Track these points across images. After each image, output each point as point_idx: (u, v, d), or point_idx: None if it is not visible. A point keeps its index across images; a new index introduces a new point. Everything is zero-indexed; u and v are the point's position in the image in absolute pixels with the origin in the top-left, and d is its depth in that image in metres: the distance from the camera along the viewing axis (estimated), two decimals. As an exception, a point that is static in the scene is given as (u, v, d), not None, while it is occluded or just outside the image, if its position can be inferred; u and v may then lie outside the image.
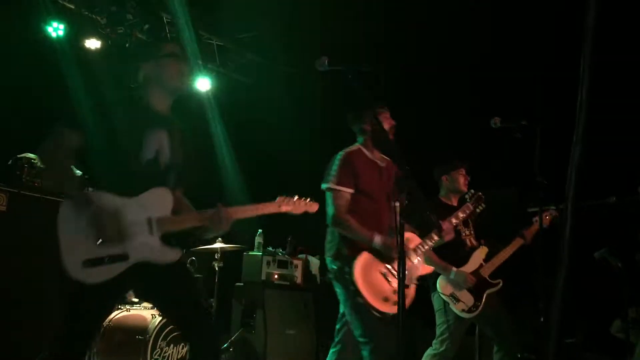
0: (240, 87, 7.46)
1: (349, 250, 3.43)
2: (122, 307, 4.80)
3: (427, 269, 3.68)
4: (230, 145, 7.40)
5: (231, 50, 7.10)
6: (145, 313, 4.69)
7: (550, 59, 5.46)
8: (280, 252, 6.13)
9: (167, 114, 2.85)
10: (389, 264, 3.40)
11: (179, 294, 2.74)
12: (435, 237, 3.60)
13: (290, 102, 7.06)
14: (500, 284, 4.22)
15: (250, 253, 6.00)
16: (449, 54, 5.87)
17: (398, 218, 3.59)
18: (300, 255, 6.36)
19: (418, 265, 3.55)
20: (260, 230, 6.09)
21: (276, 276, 5.90)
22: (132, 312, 4.72)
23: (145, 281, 2.72)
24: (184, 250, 2.90)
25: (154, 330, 4.45)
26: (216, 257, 5.49)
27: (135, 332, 4.48)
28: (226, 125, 7.37)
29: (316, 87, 6.62)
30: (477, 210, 3.98)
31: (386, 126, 3.53)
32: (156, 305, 2.94)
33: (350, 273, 3.32)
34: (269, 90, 7.19)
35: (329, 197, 3.49)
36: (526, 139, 3.01)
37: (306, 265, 6.27)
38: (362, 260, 3.36)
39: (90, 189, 4.49)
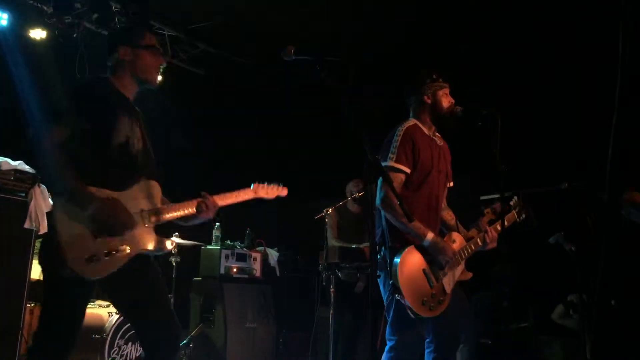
0: (193, 78, 7.31)
1: (394, 240, 3.17)
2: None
3: (467, 275, 3.39)
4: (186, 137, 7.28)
5: (183, 41, 6.93)
6: (101, 311, 4.58)
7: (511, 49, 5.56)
8: (239, 245, 6.07)
9: (133, 102, 2.79)
10: (433, 264, 3.17)
11: (145, 296, 2.67)
12: (480, 243, 3.39)
13: (245, 93, 6.98)
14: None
15: (208, 247, 5.92)
16: (414, 44, 5.88)
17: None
18: (259, 248, 6.32)
19: (460, 269, 3.33)
20: (217, 224, 6.01)
21: (235, 269, 5.83)
22: (87, 310, 4.59)
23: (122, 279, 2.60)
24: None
25: (111, 328, 4.36)
26: (173, 251, 5.39)
27: (91, 332, 4.38)
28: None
29: (272, 77, 6.54)
30: (519, 219, 3.63)
31: (444, 104, 3.35)
32: (117, 305, 2.87)
33: (393, 266, 3.07)
34: (222, 82, 7.08)
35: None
36: (486, 127, 3.03)
37: (265, 257, 6.24)
38: (407, 254, 3.12)
39: (42, 185, 4.34)
